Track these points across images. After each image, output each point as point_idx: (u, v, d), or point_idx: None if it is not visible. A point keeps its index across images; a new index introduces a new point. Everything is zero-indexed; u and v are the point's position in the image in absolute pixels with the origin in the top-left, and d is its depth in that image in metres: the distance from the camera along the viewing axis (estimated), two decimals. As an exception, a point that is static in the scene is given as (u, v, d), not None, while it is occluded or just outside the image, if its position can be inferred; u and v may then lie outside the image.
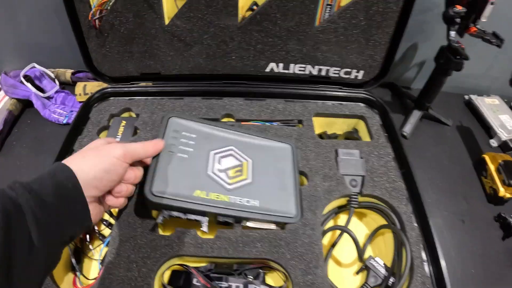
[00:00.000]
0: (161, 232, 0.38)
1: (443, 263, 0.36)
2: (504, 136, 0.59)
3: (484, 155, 0.56)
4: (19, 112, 0.61)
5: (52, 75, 0.63)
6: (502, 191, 0.52)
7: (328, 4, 0.44)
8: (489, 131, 0.62)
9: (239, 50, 0.46)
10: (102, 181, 0.29)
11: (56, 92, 0.62)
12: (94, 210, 0.29)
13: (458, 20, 0.51)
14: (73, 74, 0.63)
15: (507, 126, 0.61)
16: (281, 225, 0.37)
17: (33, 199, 0.24)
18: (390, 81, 0.67)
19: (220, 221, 0.35)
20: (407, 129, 0.57)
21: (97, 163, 0.28)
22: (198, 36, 0.45)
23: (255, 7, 0.44)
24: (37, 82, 0.61)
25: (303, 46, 0.46)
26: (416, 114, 0.59)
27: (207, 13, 0.43)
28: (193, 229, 0.36)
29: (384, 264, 0.40)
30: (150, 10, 0.44)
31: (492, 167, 0.54)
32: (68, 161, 0.28)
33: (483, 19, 0.49)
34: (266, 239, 0.36)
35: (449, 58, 0.53)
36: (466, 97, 0.67)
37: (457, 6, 0.50)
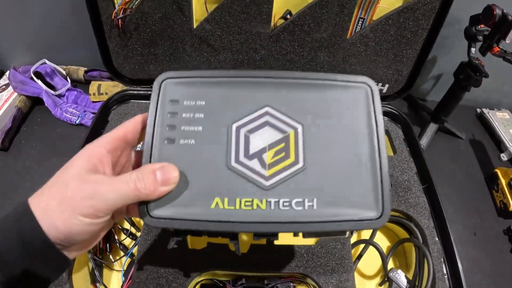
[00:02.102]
0: (191, 246, 0.37)
1: (463, 277, 0.38)
2: (513, 151, 0.62)
3: (496, 170, 0.58)
4: (28, 109, 0.59)
5: (64, 73, 0.61)
6: (512, 205, 0.54)
7: (360, 18, 0.44)
8: (500, 145, 0.64)
9: (269, 59, 0.46)
10: (76, 242, 0.20)
11: (68, 90, 0.60)
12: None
13: (480, 37, 0.52)
14: (86, 72, 0.61)
15: (517, 141, 0.63)
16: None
17: None
18: (406, 93, 0.68)
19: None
20: (424, 142, 0.59)
21: (61, 226, 0.19)
22: (228, 42, 0.45)
23: (288, 16, 0.43)
24: (48, 79, 0.59)
25: (333, 58, 0.46)
26: (432, 127, 0.60)
27: (240, 19, 0.42)
28: (225, 243, 0.36)
29: (406, 276, 0.41)
30: (179, 12, 0.43)
31: (503, 182, 0.57)
32: (34, 208, 0.19)
33: (508, 40, 0.50)
34: (299, 253, 0.36)
35: (469, 75, 0.54)
36: (478, 110, 0.69)
37: (481, 24, 0.51)
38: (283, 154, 0.23)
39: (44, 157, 0.54)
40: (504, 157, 0.62)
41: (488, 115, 0.66)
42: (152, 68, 0.49)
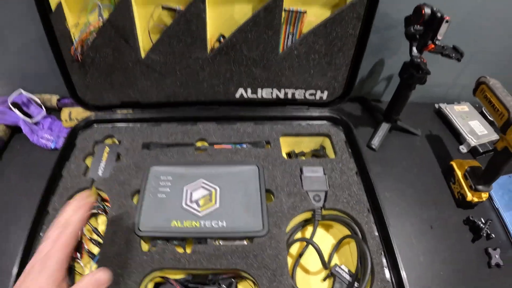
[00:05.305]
0: (143, 249, 0.44)
1: (401, 267, 0.43)
2: (473, 142, 0.66)
3: (452, 162, 0.63)
4: (8, 137, 0.68)
5: (39, 101, 0.70)
6: (470, 196, 0.58)
7: (290, 33, 0.51)
8: (459, 138, 0.68)
9: (210, 79, 0.53)
10: None
11: (43, 117, 0.69)
12: None
13: (418, 36, 0.58)
14: (59, 100, 0.70)
15: (477, 131, 0.67)
16: (250, 239, 0.44)
17: None
18: (360, 96, 0.74)
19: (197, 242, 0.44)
20: (376, 141, 0.64)
21: None
22: (172, 68, 0.52)
23: (222, 39, 0.51)
24: (24, 108, 0.68)
25: (268, 72, 0.53)
26: (384, 127, 0.65)
27: (179, 47, 0.50)
28: (171, 245, 0.43)
29: (349, 270, 0.46)
30: (127, 45, 0.51)
31: (459, 174, 0.61)
32: None
33: (439, 36, 0.55)
34: (236, 252, 0.42)
35: (412, 73, 0.59)
36: (436, 105, 0.73)
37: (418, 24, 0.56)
38: (209, 200, 0.47)
39: (24, 181, 0.62)
40: (463, 149, 0.67)
41: (445, 110, 0.70)
42: (110, 95, 0.57)
